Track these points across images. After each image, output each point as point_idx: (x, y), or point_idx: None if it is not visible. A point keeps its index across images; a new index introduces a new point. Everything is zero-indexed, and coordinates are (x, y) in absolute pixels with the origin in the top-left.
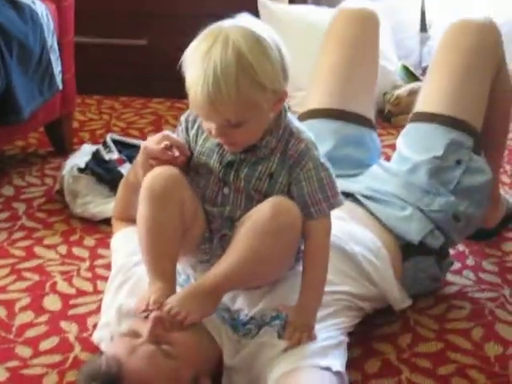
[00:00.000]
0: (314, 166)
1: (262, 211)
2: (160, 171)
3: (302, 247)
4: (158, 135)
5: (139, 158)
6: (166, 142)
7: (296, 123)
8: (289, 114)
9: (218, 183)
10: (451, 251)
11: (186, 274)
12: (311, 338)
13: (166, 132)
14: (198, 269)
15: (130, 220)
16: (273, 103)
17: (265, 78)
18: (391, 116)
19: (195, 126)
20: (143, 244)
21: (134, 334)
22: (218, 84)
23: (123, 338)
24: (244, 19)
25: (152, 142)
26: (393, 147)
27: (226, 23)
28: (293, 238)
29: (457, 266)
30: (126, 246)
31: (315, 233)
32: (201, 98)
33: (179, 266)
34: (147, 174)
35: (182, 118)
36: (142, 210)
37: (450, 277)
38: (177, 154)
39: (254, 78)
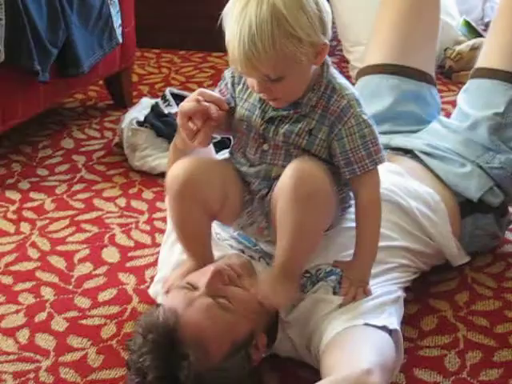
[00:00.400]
0: (356, 123)
1: (284, 183)
2: (178, 170)
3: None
4: (194, 93)
5: (178, 119)
6: (200, 97)
7: (340, 79)
8: (332, 70)
9: (257, 139)
10: (511, 209)
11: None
12: (366, 293)
13: (201, 89)
14: (248, 230)
15: None
16: (312, 56)
17: (300, 30)
18: (452, 72)
19: (242, 81)
20: (174, 230)
21: (192, 287)
22: (254, 40)
23: (180, 290)
24: None
25: (187, 101)
26: (453, 104)
27: None
28: (324, 199)
29: None
30: None
31: (362, 189)
32: (238, 55)
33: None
34: (169, 170)
35: (228, 74)
36: (168, 201)
37: (508, 235)
38: (213, 109)
39: (290, 32)
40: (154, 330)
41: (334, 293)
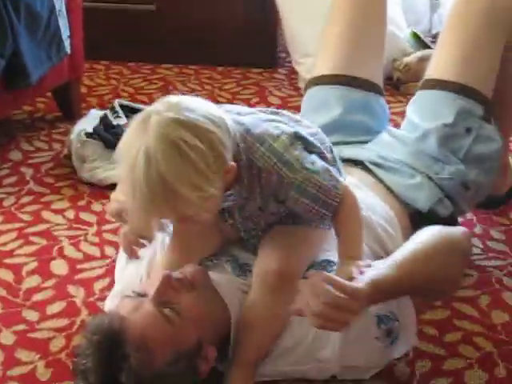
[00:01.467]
0: (296, 191)
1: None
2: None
3: None
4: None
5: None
6: None
7: (255, 135)
8: (246, 138)
9: (221, 219)
10: (459, 219)
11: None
12: (360, 266)
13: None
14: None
15: None
16: (219, 186)
17: (192, 189)
18: (400, 83)
19: None
20: None
21: (143, 295)
22: (149, 204)
23: (130, 298)
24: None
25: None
26: (402, 115)
27: (153, 118)
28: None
29: None
30: None
31: (340, 217)
32: (136, 213)
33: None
34: None
35: None
36: None
37: None
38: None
39: (182, 196)
40: (98, 332)
41: None
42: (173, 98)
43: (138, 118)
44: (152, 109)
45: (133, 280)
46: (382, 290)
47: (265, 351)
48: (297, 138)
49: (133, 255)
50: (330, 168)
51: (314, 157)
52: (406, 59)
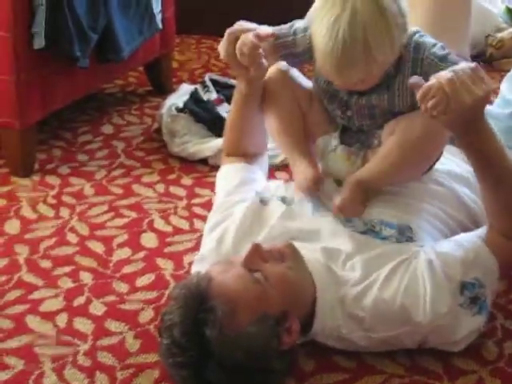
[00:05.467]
0: (430, 53)
1: (412, 129)
2: (272, 69)
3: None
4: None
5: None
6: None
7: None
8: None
9: (341, 107)
10: None
11: None
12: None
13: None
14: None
15: (237, 155)
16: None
17: (389, 41)
18: (493, 59)
19: None
20: (277, 141)
21: (231, 263)
22: (346, 55)
23: (220, 263)
24: None
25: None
26: (495, 92)
27: None
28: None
29: None
30: (227, 185)
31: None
32: (330, 67)
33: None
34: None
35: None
36: (266, 114)
37: None
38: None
39: (380, 44)
40: (186, 288)
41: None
42: None
43: None
44: None
45: (215, 244)
46: None
47: (383, 178)
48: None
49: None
50: None
51: None
52: (500, 35)
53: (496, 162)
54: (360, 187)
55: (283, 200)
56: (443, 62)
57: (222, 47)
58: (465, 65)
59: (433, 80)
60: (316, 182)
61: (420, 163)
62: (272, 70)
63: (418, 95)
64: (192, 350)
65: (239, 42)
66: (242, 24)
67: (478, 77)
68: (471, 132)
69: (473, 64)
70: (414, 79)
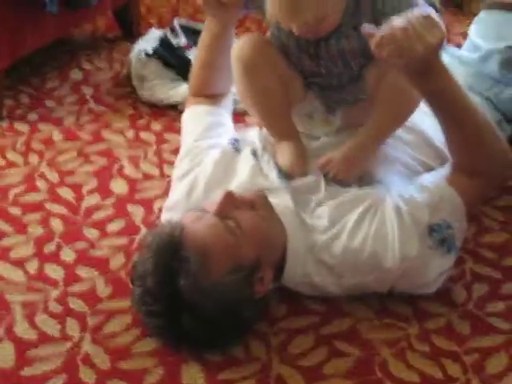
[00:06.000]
0: None
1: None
2: (243, 43)
3: None
4: None
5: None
6: None
7: None
8: None
9: (312, 61)
10: None
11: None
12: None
13: None
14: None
15: (204, 95)
16: None
17: None
18: (463, 3)
19: None
20: (256, 115)
21: (204, 211)
22: None
23: (193, 211)
24: None
25: None
26: (463, 35)
27: None
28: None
29: None
30: (195, 129)
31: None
32: (279, 11)
33: None
34: (234, 46)
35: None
36: (240, 86)
37: None
38: None
39: None
40: (158, 237)
41: None
42: None
43: None
44: None
45: (185, 191)
46: None
47: (388, 130)
48: None
49: None
50: None
51: None
52: None
53: (458, 106)
54: (372, 144)
55: (254, 153)
56: None
57: None
58: (418, 13)
59: (385, 28)
60: (301, 165)
61: (413, 109)
62: (250, 38)
63: (372, 45)
64: (165, 299)
65: None
66: None
67: (432, 24)
68: (430, 80)
69: (427, 11)
70: (366, 28)
